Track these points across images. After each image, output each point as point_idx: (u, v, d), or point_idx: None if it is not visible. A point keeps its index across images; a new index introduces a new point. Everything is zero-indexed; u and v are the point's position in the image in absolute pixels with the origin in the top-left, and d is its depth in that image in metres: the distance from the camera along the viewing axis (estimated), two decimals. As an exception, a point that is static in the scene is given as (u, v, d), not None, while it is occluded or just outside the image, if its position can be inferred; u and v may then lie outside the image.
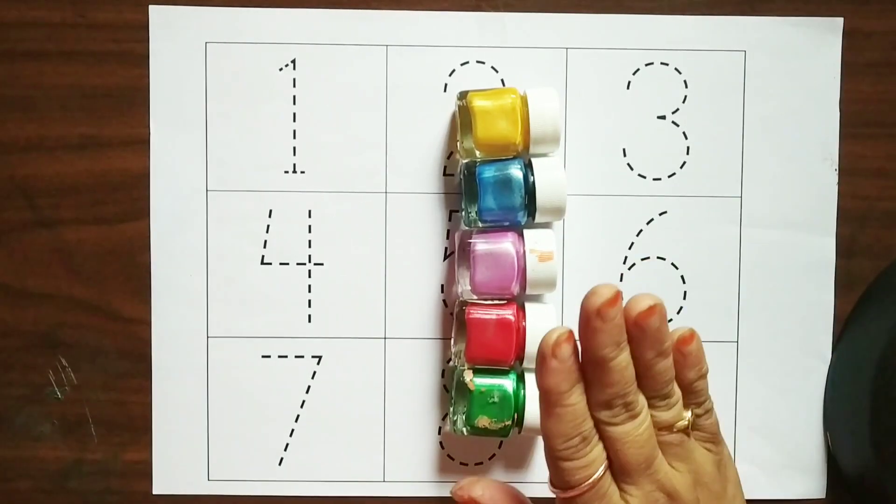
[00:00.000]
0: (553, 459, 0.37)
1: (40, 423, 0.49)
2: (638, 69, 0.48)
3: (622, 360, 0.36)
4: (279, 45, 0.48)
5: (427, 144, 0.48)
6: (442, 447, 0.49)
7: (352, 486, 0.49)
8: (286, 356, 0.49)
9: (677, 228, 0.49)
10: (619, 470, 0.37)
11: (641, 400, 0.37)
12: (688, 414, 0.38)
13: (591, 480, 0.37)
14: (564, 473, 0.37)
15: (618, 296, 0.36)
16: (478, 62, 0.48)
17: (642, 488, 0.37)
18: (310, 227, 0.49)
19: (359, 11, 0.48)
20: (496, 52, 0.48)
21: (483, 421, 0.45)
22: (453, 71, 0.48)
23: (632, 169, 0.49)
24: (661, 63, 0.49)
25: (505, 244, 0.45)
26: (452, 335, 0.47)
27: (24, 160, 0.48)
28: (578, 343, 0.37)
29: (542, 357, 0.37)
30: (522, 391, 0.45)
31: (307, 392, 0.49)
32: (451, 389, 0.47)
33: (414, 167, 0.48)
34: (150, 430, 0.49)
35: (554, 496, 0.38)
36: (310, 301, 0.49)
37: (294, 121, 0.48)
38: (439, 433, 0.49)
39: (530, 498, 0.41)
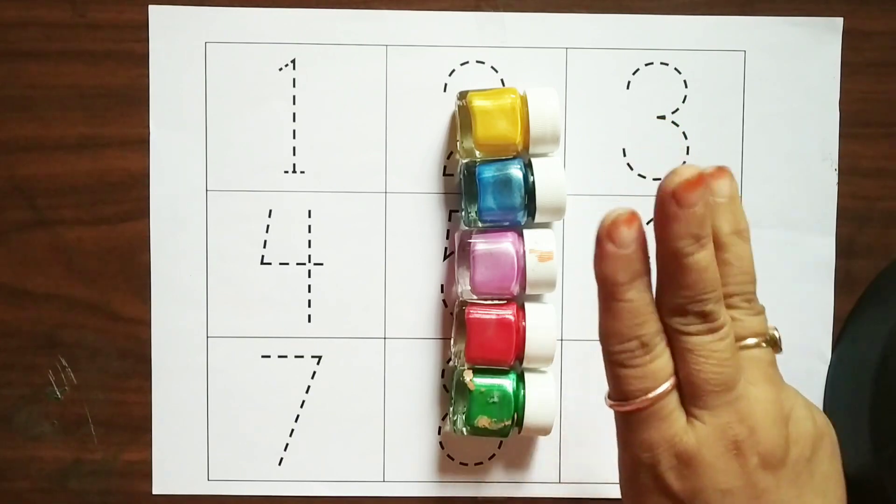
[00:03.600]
0: (608, 364, 0.31)
1: (40, 423, 0.49)
2: (638, 69, 0.48)
3: (702, 258, 0.30)
4: (279, 45, 0.48)
5: (427, 144, 0.48)
6: (442, 447, 0.49)
7: (352, 486, 0.49)
8: (286, 356, 0.49)
9: (677, 228, 0.49)
10: (690, 392, 0.30)
11: (724, 313, 0.31)
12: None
13: (651, 396, 0.30)
14: (620, 382, 0.31)
15: (701, 179, 0.30)
16: (478, 62, 0.48)
17: (718, 417, 0.30)
18: (310, 227, 0.49)
19: (359, 11, 0.48)
20: (496, 52, 0.48)
21: (483, 421, 0.45)
22: (453, 71, 0.48)
23: (632, 169, 0.49)
24: (661, 63, 0.49)
25: (505, 244, 0.45)
26: (452, 335, 0.47)
27: (24, 160, 0.48)
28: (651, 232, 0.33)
29: (596, 241, 0.31)
30: (522, 391, 0.45)
31: (307, 392, 0.49)
32: (451, 389, 0.47)
33: (414, 167, 0.48)
34: (150, 430, 0.49)
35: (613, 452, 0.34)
36: (310, 301, 0.49)
37: (294, 121, 0.48)
38: (439, 433, 0.49)
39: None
